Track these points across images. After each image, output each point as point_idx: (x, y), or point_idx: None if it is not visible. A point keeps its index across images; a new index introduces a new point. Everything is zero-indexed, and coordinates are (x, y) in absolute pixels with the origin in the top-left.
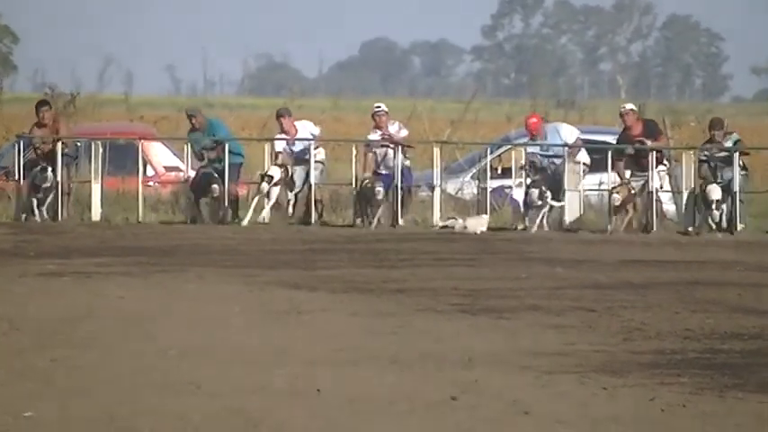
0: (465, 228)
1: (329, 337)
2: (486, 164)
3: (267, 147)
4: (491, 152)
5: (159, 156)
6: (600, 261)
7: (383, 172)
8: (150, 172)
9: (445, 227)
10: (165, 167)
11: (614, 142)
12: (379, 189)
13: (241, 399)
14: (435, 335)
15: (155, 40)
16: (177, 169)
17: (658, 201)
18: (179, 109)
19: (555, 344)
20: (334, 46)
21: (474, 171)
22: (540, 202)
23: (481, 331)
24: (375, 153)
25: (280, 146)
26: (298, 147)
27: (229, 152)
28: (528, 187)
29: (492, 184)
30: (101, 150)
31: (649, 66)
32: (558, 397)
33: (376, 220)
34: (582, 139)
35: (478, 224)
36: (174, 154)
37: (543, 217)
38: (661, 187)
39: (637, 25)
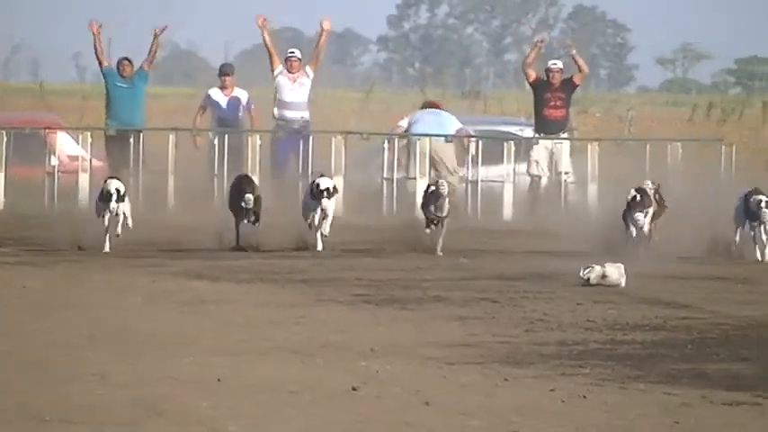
0: (604, 277)
1: (233, 327)
2: (392, 154)
3: (172, 137)
4: (396, 142)
5: (64, 145)
6: (505, 252)
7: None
8: (54, 161)
9: (587, 281)
10: (68, 156)
11: (519, 133)
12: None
13: (146, 388)
14: (338, 325)
15: (61, 28)
16: (81, 159)
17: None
18: (84, 97)
19: (458, 335)
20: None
21: (379, 161)
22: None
23: (384, 322)
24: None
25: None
26: (228, 113)
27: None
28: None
29: (397, 174)
30: (5, 140)
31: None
32: (461, 388)
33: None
34: (484, 131)
35: (620, 274)
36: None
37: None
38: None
39: (543, 16)
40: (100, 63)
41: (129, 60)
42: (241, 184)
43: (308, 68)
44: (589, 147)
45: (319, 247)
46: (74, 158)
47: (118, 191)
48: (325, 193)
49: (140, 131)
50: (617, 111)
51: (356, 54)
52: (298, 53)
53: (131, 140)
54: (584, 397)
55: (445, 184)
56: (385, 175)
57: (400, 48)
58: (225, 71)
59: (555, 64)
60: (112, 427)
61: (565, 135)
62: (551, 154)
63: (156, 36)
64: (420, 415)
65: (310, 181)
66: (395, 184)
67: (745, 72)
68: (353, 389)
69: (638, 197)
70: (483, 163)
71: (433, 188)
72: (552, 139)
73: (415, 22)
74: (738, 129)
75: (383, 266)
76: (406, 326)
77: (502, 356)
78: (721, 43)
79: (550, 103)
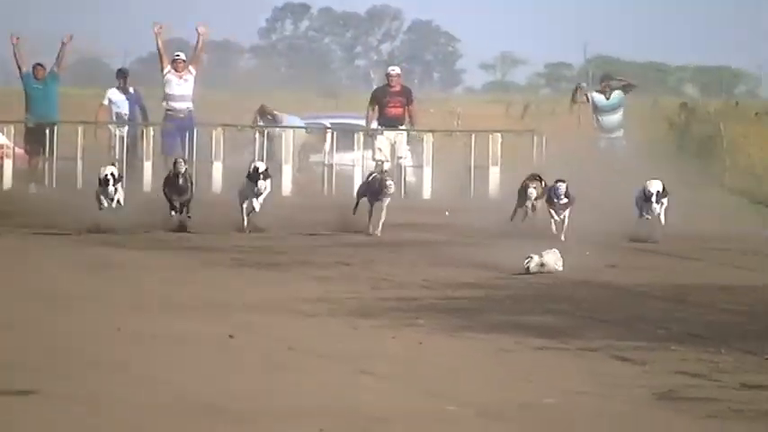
0: (542, 265)
1: (133, 287)
2: (262, 143)
3: (80, 129)
4: (266, 133)
5: None
6: (359, 223)
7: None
8: None
9: (527, 270)
10: None
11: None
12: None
13: (55, 338)
14: (219, 284)
15: None
16: (5, 147)
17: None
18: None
19: (317, 292)
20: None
21: (251, 149)
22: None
23: (256, 282)
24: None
25: (115, 101)
26: (124, 109)
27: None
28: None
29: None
30: None
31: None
32: (318, 335)
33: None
34: (339, 123)
35: (556, 259)
36: None
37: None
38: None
39: (387, 29)
40: (19, 68)
41: (41, 65)
42: (177, 177)
43: (191, 67)
44: (425, 137)
45: (245, 223)
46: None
47: (113, 175)
48: (262, 175)
49: (54, 124)
50: (448, 107)
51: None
52: (183, 55)
53: (47, 132)
54: (421, 343)
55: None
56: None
57: (269, 55)
58: (121, 74)
59: (393, 70)
60: (25, 373)
61: (403, 128)
62: (392, 143)
63: (63, 44)
64: (285, 358)
65: (248, 167)
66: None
67: (554, 75)
68: (230, 336)
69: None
70: (338, 150)
71: (376, 175)
72: (391, 130)
73: (281, 33)
74: (548, 122)
75: (257, 236)
76: (275, 285)
77: (352, 309)
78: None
79: (390, 105)
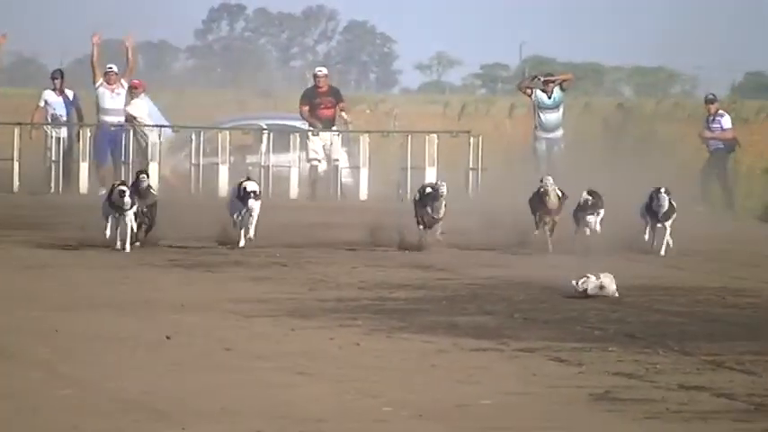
0: (602, 288)
1: (69, 287)
2: (198, 144)
3: (17, 130)
4: (202, 134)
5: None
6: (292, 224)
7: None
8: None
9: (584, 291)
10: None
11: (300, 125)
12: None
13: None
14: (155, 284)
15: None
16: None
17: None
18: None
19: (253, 292)
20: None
21: (187, 150)
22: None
23: (193, 282)
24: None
25: (51, 102)
26: (59, 110)
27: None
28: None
29: (203, 161)
30: None
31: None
32: (256, 336)
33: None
34: (275, 125)
35: (611, 282)
36: None
37: None
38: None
39: (323, 29)
40: None
41: None
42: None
43: (123, 81)
44: (361, 138)
45: (242, 243)
46: None
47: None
48: (252, 194)
49: None
50: (384, 108)
51: (169, 61)
52: (115, 68)
53: None
54: (358, 344)
55: (444, 185)
56: (193, 161)
57: (206, 56)
58: (56, 75)
59: (321, 71)
60: None
61: (335, 128)
62: (327, 145)
63: None
64: (222, 359)
65: (237, 184)
66: (201, 169)
67: (489, 76)
68: (167, 337)
69: (591, 199)
70: (274, 151)
71: (430, 190)
72: (326, 132)
73: (217, 34)
74: (484, 123)
75: (191, 235)
76: (211, 285)
77: (289, 310)
78: (470, 52)
79: (321, 106)
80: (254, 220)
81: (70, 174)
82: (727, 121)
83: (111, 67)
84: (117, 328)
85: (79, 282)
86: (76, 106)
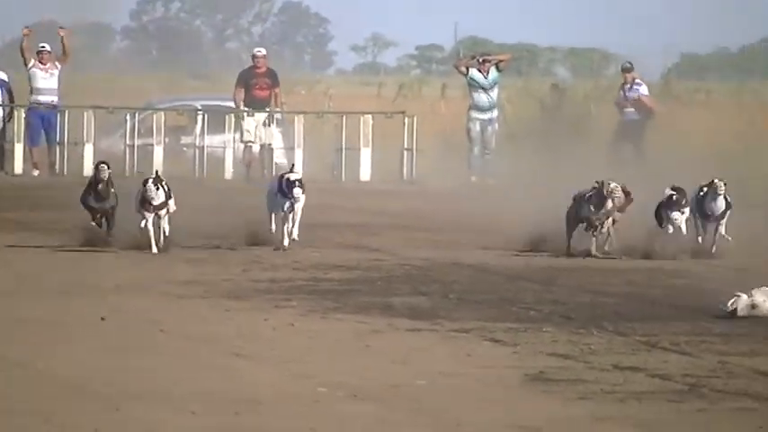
0: (754, 307)
1: (8, 274)
2: (133, 125)
3: None
4: (137, 115)
5: None
6: (225, 207)
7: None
8: None
9: (733, 312)
10: None
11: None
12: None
13: None
14: (91, 267)
15: None
16: None
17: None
18: None
19: (189, 274)
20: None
21: (122, 131)
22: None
23: (127, 265)
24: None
25: None
26: None
27: None
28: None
29: (137, 142)
30: None
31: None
32: (190, 317)
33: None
34: (210, 105)
35: (765, 298)
36: None
37: None
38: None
39: (258, 11)
40: None
41: None
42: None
43: (57, 63)
44: (296, 119)
45: (286, 242)
46: None
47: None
48: (296, 183)
49: None
50: (319, 89)
51: (104, 42)
52: (48, 47)
53: None
54: (293, 325)
55: (613, 185)
56: (128, 142)
57: (140, 37)
58: None
59: (260, 51)
60: None
61: (269, 109)
62: (261, 125)
63: None
64: (157, 340)
65: (278, 176)
66: (136, 150)
67: (424, 57)
68: (102, 319)
69: (675, 196)
70: (208, 132)
71: (596, 188)
72: (260, 113)
73: (152, 15)
74: (418, 103)
75: (124, 218)
76: (146, 267)
77: (224, 292)
78: (405, 32)
79: (257, 87)
80: (298, 216)
81: (4, 155)
82: (644, 90)
83: (43, 46)
84: (55, 312)
85: (17, 268)
86: (7, 88)
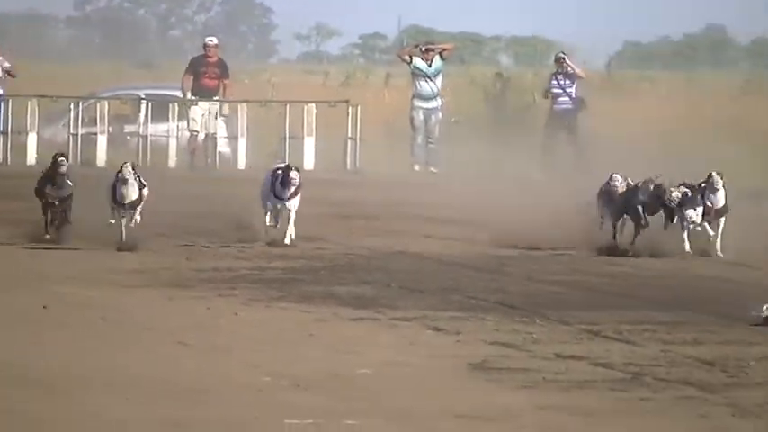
0: None
1: None
2: (77, 114)
3: None
4: (81, 104)
5: None
6: (169, 195)
7: None
8: None
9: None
10: None
11: (179, 95)
12: None
13: None
14: (31, 257)
15: None
16: None
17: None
18: None
19: (131, 263)
20: None
21: (65, 120)
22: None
23: (72, 256)
24: None
25: None
26: None
27: None
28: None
29: (81, 131)
30: None
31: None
32: (134, 306)
33: None
34: (154, 94)
35: None
36: None
37: None
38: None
39: (202, 0)
40: None
41: None
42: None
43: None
44: (239, 108)
45: (287, 240)
46: None
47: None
48: (291, 180)
49: None
50: (263, 78)
51: (47, 31)
52: None
53: None
54: (236, 314)
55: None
56: (71, 131)
57: (84, 27)
58: None
59: (211, 40)
60: None
61: (216, 98)
62: (206, 114)
63: None
64: (98, 329)
65: (273, 170)
66: (79, 139)
67: (368, 46)
68: (44, 307)
69: (689, 194)
70: (152, 121)
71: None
72: (206, 101)
73: (96, 5)
74: (362, 93)
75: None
76: (89, 256)
77: (168, 280)
78: (348, 22)
79: (205, 75)
80: (293, 217)
81: None
82: (578, 73)
83: None
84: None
85: None
86: None
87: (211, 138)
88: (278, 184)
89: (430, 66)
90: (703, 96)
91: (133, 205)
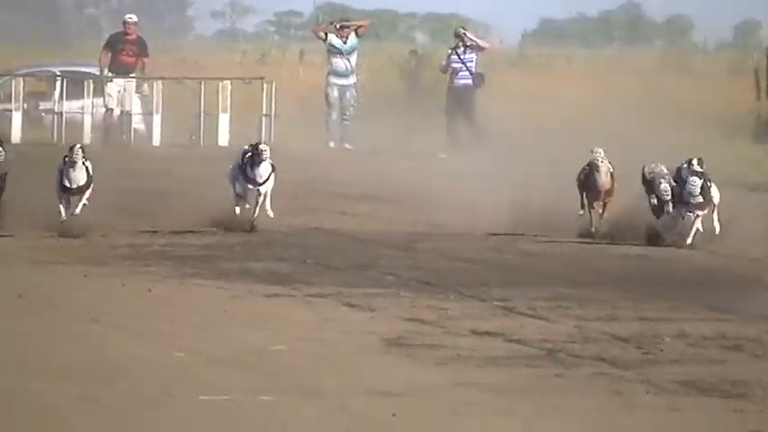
0: None
1: None
2: None
3: None
4: None
5: None
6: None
7: None
8: None
9: None
10: None
11: (94, 72)
12: None
13: None
14: None
15: None
16: None
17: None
18: None
19: (47, 240)
20: None
21: None
22: None
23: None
24: None
25: None
26: None
27: None
28: None
29: None
30: None
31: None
32: (48, 283)
33: None
34: (69, 71)
35: None
36: None
37: None
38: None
39: None
40: None
41: None
42: None
43: None
44: (154, 84)
45: (258, 215)
46: None
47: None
48: (263, 154)
49: None
50: (179, 55)
51: None
52: None
53: None
54: (150, 291)
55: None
56: None
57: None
58: None
59: (130, 18)
60: None
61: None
62: (122, 90)
63: None
64: (14, 306)
65: (243, 151)
66: None
67: (283, 23)
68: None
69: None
70: (67, 97)
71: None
72: (121, 78)
73: None
74: (278, 70)
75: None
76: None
77: (82, 257)
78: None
79: (123, 53)
80: (267, 199)
81: None
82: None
83: None
84: None
85: None
86: None
87: (126, 114)
88: (247, 166)
89: (345, 43)
90: (620, 74)
91: (81, 190)
